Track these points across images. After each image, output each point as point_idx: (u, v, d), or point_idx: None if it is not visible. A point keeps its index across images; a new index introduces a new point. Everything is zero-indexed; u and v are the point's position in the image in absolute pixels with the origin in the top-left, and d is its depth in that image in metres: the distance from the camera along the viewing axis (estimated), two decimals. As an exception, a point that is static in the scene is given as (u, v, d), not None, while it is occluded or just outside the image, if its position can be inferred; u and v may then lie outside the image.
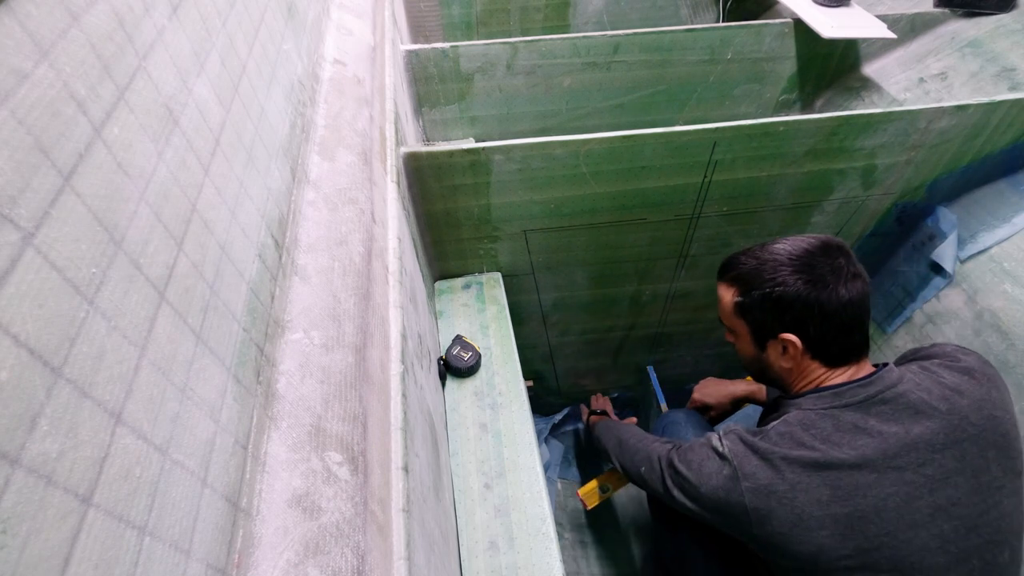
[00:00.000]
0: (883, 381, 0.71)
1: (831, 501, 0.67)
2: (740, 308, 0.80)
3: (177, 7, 0.43)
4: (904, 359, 0.81)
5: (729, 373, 1.23)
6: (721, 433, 0.79)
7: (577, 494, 1.26)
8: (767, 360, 0.81)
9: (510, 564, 0.81)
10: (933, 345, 0.80)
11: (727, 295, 0.82)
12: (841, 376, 0.75)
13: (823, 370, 0.76)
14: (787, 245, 0.77)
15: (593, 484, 1.24)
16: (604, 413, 1.39)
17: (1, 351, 0.23)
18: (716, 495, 0.74)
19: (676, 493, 0.80)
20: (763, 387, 1.13)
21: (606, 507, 1.62)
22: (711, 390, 1.17)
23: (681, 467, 0.80)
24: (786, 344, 0.76)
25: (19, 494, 0.23)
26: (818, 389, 0.74)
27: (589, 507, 1.23)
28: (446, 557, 0.73)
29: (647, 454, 0.90)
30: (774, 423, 0.75)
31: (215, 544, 0.36)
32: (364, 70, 0.91)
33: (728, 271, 0.83)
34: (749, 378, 1.15)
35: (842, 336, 0.74)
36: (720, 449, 0.76)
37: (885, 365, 0.74)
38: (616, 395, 1.87)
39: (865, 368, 0.75)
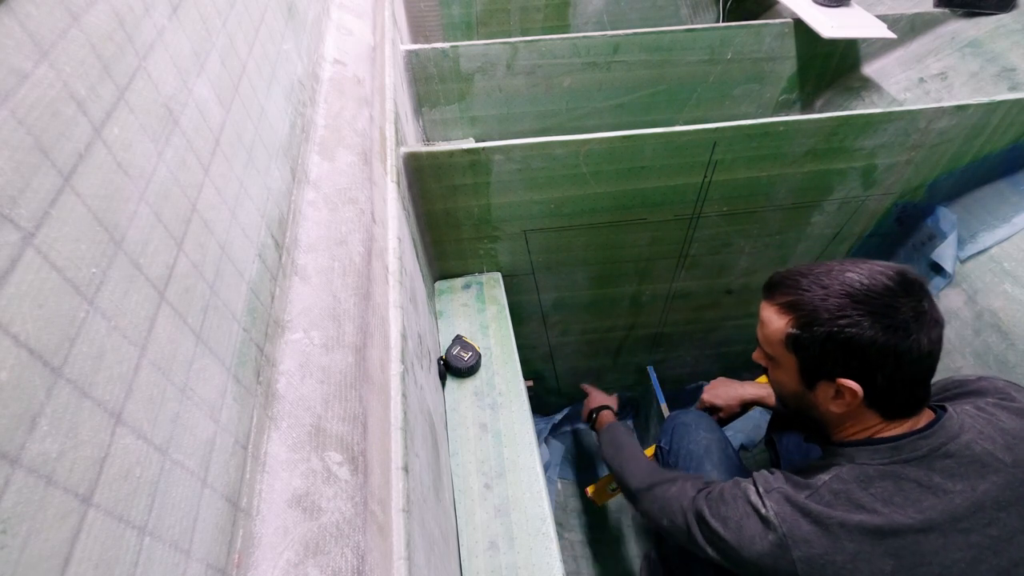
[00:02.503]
0: (945, 431, 0.64)
1: (895, 572, 0.61)
2: (794, 342, 0.68)
3: (177, 7, 0.43)
4: (948, 392, 0.74)
5: (729, 373, 1.23)
6: (760, 489, 0.69)
7: (586, 491, 1.26)
8: (813, 400, 0.70)
9: (510, 564, 0.81)
10: (980, 378, 0.73)
11: (778, 322, 0.70)
12: (898, 427, 0.66)
13: (878, 420, 0.67)
14: (862, 276, 0.65)
15: (603, 482, 1.24)
16: (607, 409, 1.23)
17: (1, 351, 0.23)
18: (761, 562, 0.66)
19: (710, 551, 0.72)
20: (773, 391, 1.10)
21: (606, 507, 1.62)
22: (721, 391, 1.13)
23: (715, 523, 0.70)
24: (842, 389, 0.65)
25: (19, 494, 0.23)
26: (872, 440, 0.66)
27: (599, 504, 1.23)
28: (446, 557, 0.73)
29: (666, 501, 0.80)
30: (823, 476, 0.66)
31: (215, 544, 0.36)
32: (364, 70, 0.91)
33: (782, 292, 0.70)
34: (760, 379, 1.14)
35: (910, 389, 0.65)
36: (763, 511, 0.67)
37: (943, 408, 0.67)
38: (616, 395, 1.87)
39: (925, 415, 0.67)
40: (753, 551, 0.66)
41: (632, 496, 0.91)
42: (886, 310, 0.63)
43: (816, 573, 0.62)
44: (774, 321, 0.70)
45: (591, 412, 1.24)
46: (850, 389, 0.65)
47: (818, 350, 0.66)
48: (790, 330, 0.68)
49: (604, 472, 1.27)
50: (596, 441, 1.10)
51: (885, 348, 0.62)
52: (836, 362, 0.65)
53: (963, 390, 0.73)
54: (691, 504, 0.75)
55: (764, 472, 0.72)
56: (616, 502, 1.61)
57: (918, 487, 0.62)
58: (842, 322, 0.64)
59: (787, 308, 0.69)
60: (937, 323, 0.64)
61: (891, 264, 0.67)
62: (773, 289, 0.72)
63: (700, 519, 0.73)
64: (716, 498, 0.72)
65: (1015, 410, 0.66)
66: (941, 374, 1.26)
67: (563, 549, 1.37)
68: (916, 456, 0.63)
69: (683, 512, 0.76)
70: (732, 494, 0.71)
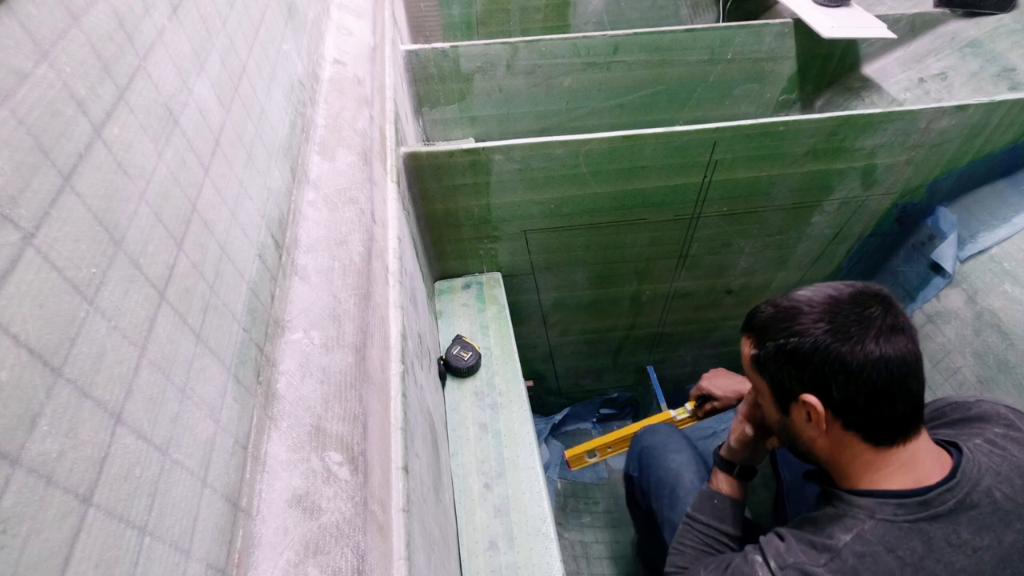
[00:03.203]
0: (969, 479, 0.60)
1: None
2: (756, 362, 0.69)
3: (177, 7, 0.43)
4: (947, 417, 0.71)
5: (729, 373, 1.23)
6: (773, 564, 0.64)
7: (564, 454, 1.22)
8: (794, 428, 0.68)
9: (510, 564, 0.81)
10: (979, 401, 0.70)
11: (745, 348, 0.72)
12: (915, 470, 0.61)
13: (868, 449, 0.63)
14: (809, 291, 0.66)
15: (582, 448, 1.20)
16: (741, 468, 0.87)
17: (1, 351, 0.23)
18: None
19: None
20: None
21: (606, 506, 1.62)
22: (721, 382, 1.09)
23: None
24: (807, 407, 0.64)
25: (19, 494, 0.23)
26: (896, 494, 0.61)
27: (572, 468, 1.20)
28: (446, 557, 0.73)
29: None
30: (843, 536, 0.60)
31: (215, 544, 0.36)
32: (364, 70, 0.91)
33: (747, 322, 0.72)
34: None
35: (876, 404, 0.61)
36: None
37: (955, 447, 0.63)
38: (616, 395, 1.87)
39: (930, 450, 0.63)
40: None
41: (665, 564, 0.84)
42: (825, 316, 0.62)
43: None
44: (744, 349, 0.72)
45: (719, 449, 0.88)
46: (812, 405, 0.63)
47: (773, 365, 0.67)
48: (751, 351, 0.70)
49: (595, 438, 1.24)
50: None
51: (827, 354, 0.61)
52: (791, 376, 0.65)
53: (964, 415, 0.70)
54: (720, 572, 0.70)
55: (774, 539, 0.66)
56: (617, 502, 1.61)
57: (948, 547, 0.58)
58: (786, 333, 0.64)
59: (748, 332, 0.71)
60: (895, 329, 0.60)
61: (855, 283, 0.66)
62: (744, 322, 0.73)
63: None
64: None
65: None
66: (941, 374, 1.26)
67: (563, 549, 1.37)
68: (944, 511, 0.59)
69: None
70: (740, 571, 0.66)
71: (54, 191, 0.27)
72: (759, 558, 0.65)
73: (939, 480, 0.60)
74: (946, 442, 0.65)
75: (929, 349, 1.26)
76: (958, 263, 1.22)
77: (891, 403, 0.61)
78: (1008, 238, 1.17)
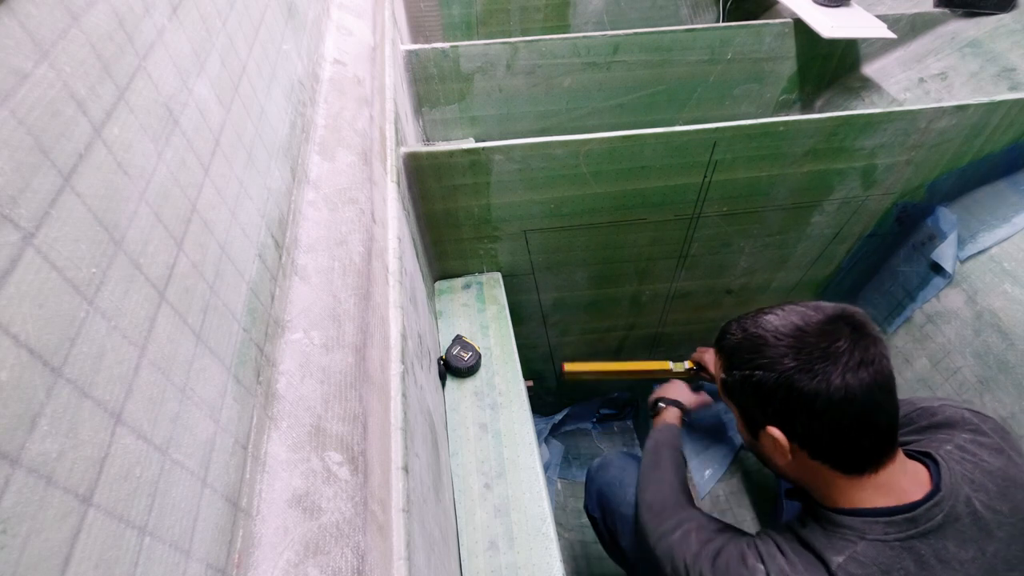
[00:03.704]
0: (950, 491, 0.59)
1: None
2: (724, 386, 0.69)
3: (177, 7, 0.43)
4: (915, 424, 0.71)
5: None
6: (767, 564, 0.64)
7: (563, 365, 1.30)
8: (764, 452, 0.68)
9: (510, 564, 0.81)
10: (942, 404, 0.70)
11: (716, 366, 0.71)
12: (894, 490, 0.61)
13: (839, 476, 0.62)
14: (778, 318, 0.63)
15: (582, 368, 1.31)
16: (676, 406, 1.07)
17: (1, 351, 0.23)
18: None
19: None
20: None
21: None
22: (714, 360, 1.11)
23: None
24: (774, 439, 0.63)
25: (19, 494, 0.23)
26: (883, 511, 0.60)
27: (564, 379, 1.30)
28: (446, 557, 0.73)
29: (668, 547, 0.75)
30: (836, 558, 0.60)
31: (215, 544, 0.36)
32: (364, 70, 0.91)
33: (718, 339, 0.71)
34: None
35: (841, 440, 0.60)
36: None
37: (929, 457, 0.63)
38: (616, 395, 1.87)
39: (906, 469, 0.62)
40: None
41: (638, 512, 0.86)
42: (791, 350, 0.60)
43: None
44: (716, 364, 0.71)
45: (656, 401, 1.09)
46: (776, 439, 0.62)
47: (739, 394, 0.66)
48: (721, 375, 0.69)
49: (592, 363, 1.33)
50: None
51: (790, 391, 0.59)
52: (757, 407, 0.64)
53: (930, 422, 0.70)
54: (694, 563, 0.70)
55: (775, 551, 0.65)
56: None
57: (939, 563, 0.57)
58: (751, 364, 0.63)
59: (719, 351, 0.70)
60: (863, 364, 0.58)
61: (827, 305, 0.64)
62: (716, 337, 0.72)
63: None
64: (721, 570, 0.67)
65: (992, 447, 0.64)
66: (941, 374, 1.26)
67: (563, 549, 1.37)
68: (933, 528, 0.58)
69: (685, 569, 0.71)
70: (737, 572, 0.66)
71: (54, 191, 0.27)
72: (761, 567, 0.64)
73: (924, 496, 0.60)
74: (919, 452, 0.65)
75: (929, 349, 1.26)
76: (958, 263, 1.22)
77: (857, 438, 0.60)
78: (1008, 238, 1.17)
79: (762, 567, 0.64)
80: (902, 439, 0.68)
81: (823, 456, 0.62)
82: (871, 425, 0.59)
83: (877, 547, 0.59)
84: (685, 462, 0.97)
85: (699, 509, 0.82)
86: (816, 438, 0.61)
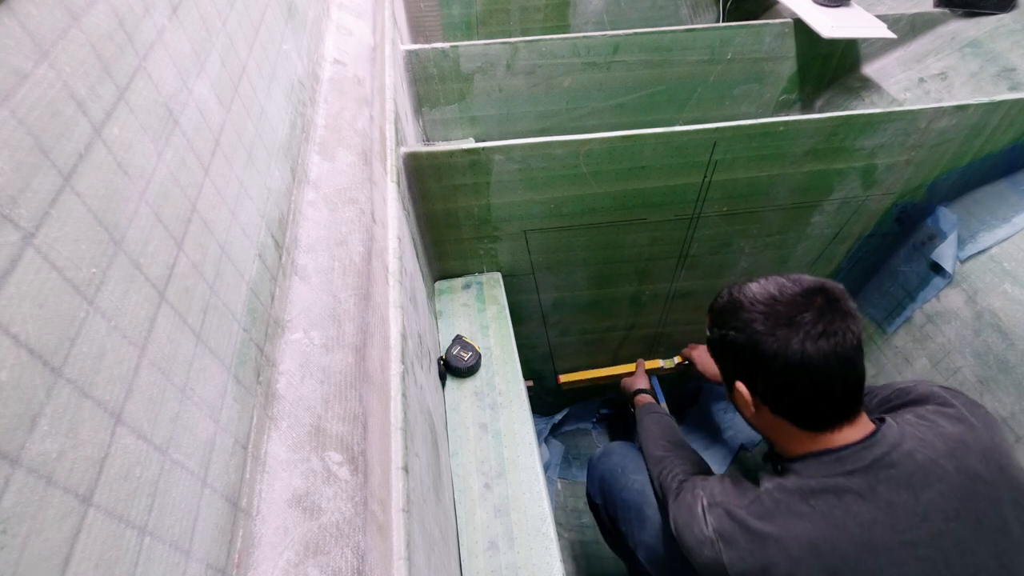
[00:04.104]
0: (887, 441, 0.64)
1: None
2: (708, 343, 0.76)
3: (177, 7, 0.43)
4: (891, 403, 0.75)
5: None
6: (706, 502, 0.73)
7: (558, 378, 1.41)
8: (736, 404, 0.74)
9: (510, 564, 0.81)
10: (918, 384, 0.75)
11: (707, 324, 0.78)
12: (837, 438, 0.66)
13: (800, 432, 0.68)
14: (758, 286, 0.70)
15: (575, 376, 1.42)
16: (642, 392, 1.25)
17: (1, 351, 0.23)
18: (706, 570, 0.71)
19: (674, 533, 0.78)
20: None
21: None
22: (704, 359, 1.19)
23: (676, 526, 0.76)
24: (741, 394, 0.70)
25: (19, 494, 0.23)
26: (815, 453, 0.66)
27: (559, 383, 1.40)
28: (446, 557, 0.73)
29: (660, 487, 0.89)
30: (767, 484, 0.68)
31: (215, 544, 0.36)
32: (364, 70, 0.91)
33: (713, 300, 0.78)
34: None
35: (799, 400, 0.66)
36: (705, 530, 0.70)
37: (882, 420, 0.68)
38: (616, 395, 1.87)
39: (861, 425, 0.67)
40: (702, 557, 0.71)
41: (647, 465, 0.99)
42: (760, 316, 0.66)
43: None
44: (706, 325, 0.78)
45: (634, 393, 1.27)
46: (742, 393, 0.70)
47: (717, 350, 0.74)
48: (707, 332, 0.77)
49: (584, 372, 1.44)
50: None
51: (754, 352, 0.66)
52: (729, 363, 0.72)
53: (905, 399, 0.74)
54: (673, 497, 0.81)
55: (716, 480, 0.77)
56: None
57: (860, 500, 0.62)
58: (727, 325, 0.70)
59: (709, 311, 0.77)
60: (825, 334, 0.63)
61: (808, 279, 0.69)
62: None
63: (672, 519, 0.79)
64: (684, 505, 0.77)
65: (954, 416, 0.67)
66: (941, 374, 1.26)
67: (563, 549, 1.37)
68: (860, 467, 0.63)
69: (665, 504, 0.83)
70: (689, 504, 0.76)
71: (54, 191, 0.27)
72: (701, 493, 0.75)
73: (855, 440, 0.65)
74: (876, 418, 0.70)
75: (929, 349, 1.26)
76: (958, 263, 1.22)
77: (813, 401, 0.65)
78: (1008, 238, 1.17)
79: (702, 493, 0.75)
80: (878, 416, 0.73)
81: (783, 412, 0.68)
82: (827, 391, 0.65)
83: (803, 481, 0.66)
84: (669, 416, 1.13)
85: (679, 450, 0.95)
86: (775, 396, 0.68)
